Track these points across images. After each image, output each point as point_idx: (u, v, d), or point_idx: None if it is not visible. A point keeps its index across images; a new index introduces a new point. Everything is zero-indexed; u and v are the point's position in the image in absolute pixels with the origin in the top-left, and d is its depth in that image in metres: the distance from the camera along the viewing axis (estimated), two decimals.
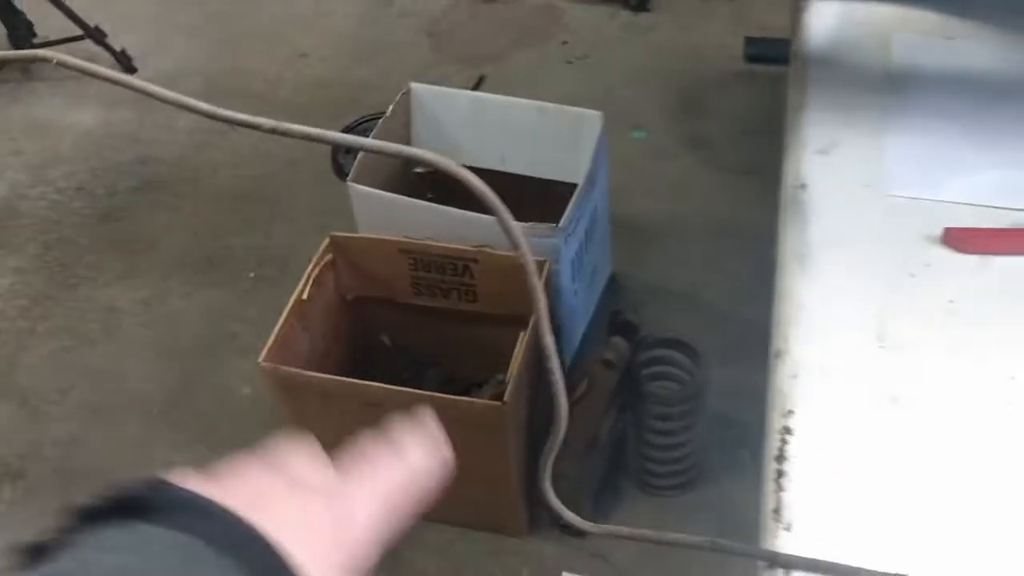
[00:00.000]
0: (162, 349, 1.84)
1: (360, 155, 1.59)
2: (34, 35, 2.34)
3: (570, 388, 1.51)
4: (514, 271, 1.45)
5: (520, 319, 1.38)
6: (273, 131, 0.54)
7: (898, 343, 0.69)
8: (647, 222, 2.01)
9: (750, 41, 2.32)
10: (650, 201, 2.04)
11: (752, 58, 2.30)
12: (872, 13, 0.97)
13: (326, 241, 1.48)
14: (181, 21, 2.62)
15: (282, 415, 1.45)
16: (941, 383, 0.66)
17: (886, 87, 0.89)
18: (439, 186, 1.66)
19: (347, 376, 1.38)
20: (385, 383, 1.35)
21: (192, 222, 2.08)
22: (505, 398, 1.27)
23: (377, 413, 1.37)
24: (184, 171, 2.20)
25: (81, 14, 2.31)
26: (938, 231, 0.75)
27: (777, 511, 0.61)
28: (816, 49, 0.95)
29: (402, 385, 1.38)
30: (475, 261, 1.47)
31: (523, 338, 1.35)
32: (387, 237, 1.50)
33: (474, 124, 1.72)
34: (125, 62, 2.39)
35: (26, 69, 2.46)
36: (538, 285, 0.59)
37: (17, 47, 2.30)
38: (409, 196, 1.55)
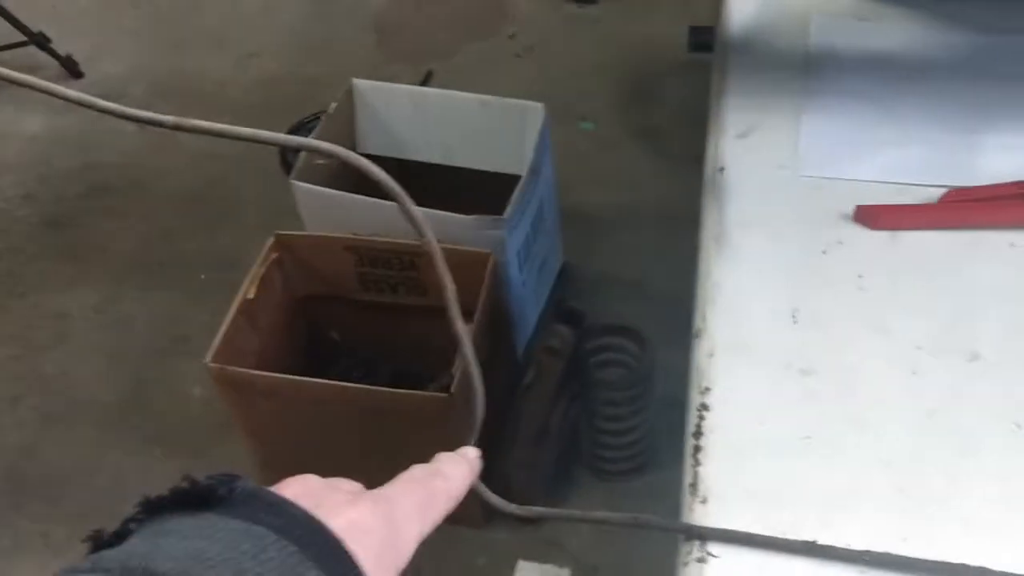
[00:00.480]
0: (113, 354, 1.83)
1: (304, 152, 1.59)
2: None
3: (522, 378, 1.52)
4: (460, 263, 1.46)
5: (468, 312, 1.39)
6: (177, 128, 0.55)
7: (810, 318, 0.70)
8: (597, 212, 2.02)
9: (694, 30, 2.33)
10: (599, 191, 2.06)
11: (697, 47, 2.31)
12: None
13: (271, 240, 1.48)
14: (127, 24, 2.60)
15: (235, 416, 1.45)
16: (850, 355, 0.68)
17: (805, 70, 0.91)
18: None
19: (299, 375, 1.39)
20: (337, 380, 1.36)
21: (142, 226, 2.07)
22: (452, 390, 1.28)
23: (326, 410, 1.38)
24: (133, 176, 2.19)
25: (25, 20, 2.29)
26: (850, 209, 0.77)
27: (694, 485, 0.62)
28: (738, 35, 0.97)
29: (355, 382, 1.38)
30: (420, 255, 1.48)
31: (467, 330, 1.36)
32: (332, 234, 1.50)
33: (418, 119, 1.72)
34: (71, 67, 2.36)
35: None
36: (446, 272, 0.60)
37: None
38: (357, 193, 1.55)
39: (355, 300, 1.57)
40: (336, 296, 1.58)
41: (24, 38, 2.29)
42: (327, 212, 1.56)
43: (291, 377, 1.35)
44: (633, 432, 1.50)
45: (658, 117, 2.21)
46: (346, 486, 0.41)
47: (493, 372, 1.51)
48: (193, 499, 0.34)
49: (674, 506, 0.64)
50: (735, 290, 0.73)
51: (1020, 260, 0.73)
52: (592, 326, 1.49)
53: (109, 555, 0.31)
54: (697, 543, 0.59)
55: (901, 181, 0.79)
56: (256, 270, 1.44)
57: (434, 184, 1.70)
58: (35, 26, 2.30)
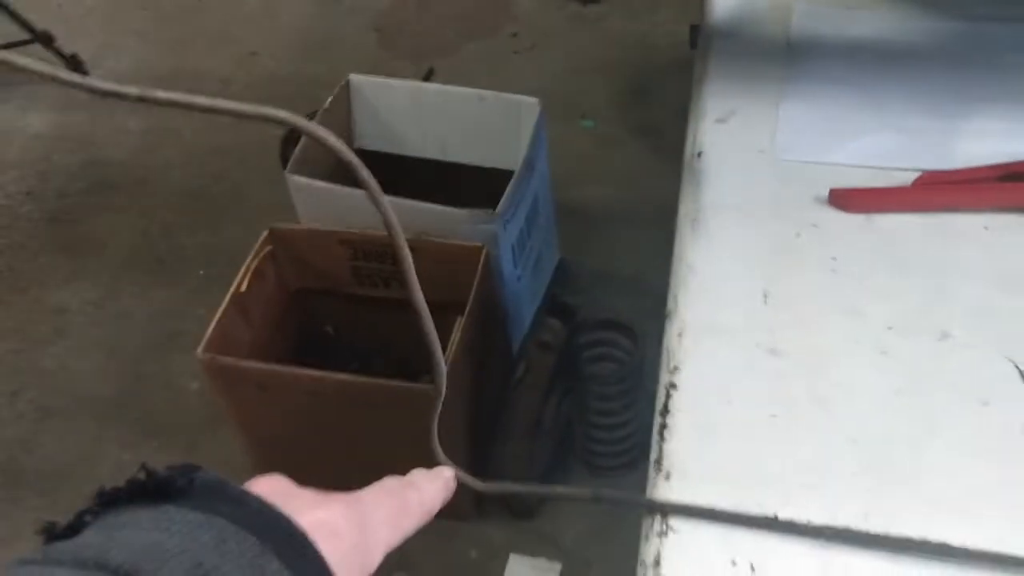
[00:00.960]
0: (112, 348, 1.85)
1: (300, 146, 1.60)
2: None
3: (514, 372, 1.52)
4: (453, 258, 1.47)
5: (460, 305, 1.39)
6: (140, 99, 0.55)
7: (782, 299, 0.70)
8: (595, 209, 2.03)
9: (695, 28, 2.33)
10: (598, 188, 2.06)
11: (697, 45, 2.32)
12: None
13: (265, 233, 1.49)
14: (132, 24, 2.62)
15: (226, 408, 1.46)
16: (820, 335, 0.68)
17: (786, 57, 0.91)
18: (382, 175, 1.67)
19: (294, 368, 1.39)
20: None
21: (142, 222, 2.09)
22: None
23: (317, 402, 1.39)
24: (135, 172, 2.21)
25: (31, 19, 2.31)
26: (825, 193, 0.77)
27: (659, 461, 0.63)
28: (721, 22, 0.97)
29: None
30: (414, 249, 1.47)
31: (460, 323, 1.36)
32: (326, 228, 1.51)
33: (414, 114, 1.73)
34: (75, 66, 2.38)
35: None
36: (410, 265, 0.60)
37: None
38: (352, 187, 1.56)
39: (349, 294, 1.58)
40: (330, 290, 1.58)
41: (29, 36, 2.31)
42: (322, 206, 1.56)
43: (281, 367, 1.36)
44: (626, 427, 1.50)
45: (658, 115, 2.21)
46: (317, 491, 0.41)
47: (487, 366, 1.51)
48: (151, 491, 0.33)
49: None
50: (708, 272, 0.73)
51: (993, 242, 0.73)
52: (584, 321, 1.50)
53: (61, 546, 0.30)
54: (659, 517, 0.59)
55: (877, 165, 0.79)
56: (249, 263, 1.45)
57: (432, 180, 1.70)
58: (41, 25, 2.32)
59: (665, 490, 0.61)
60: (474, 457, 1.45)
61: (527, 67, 2.37)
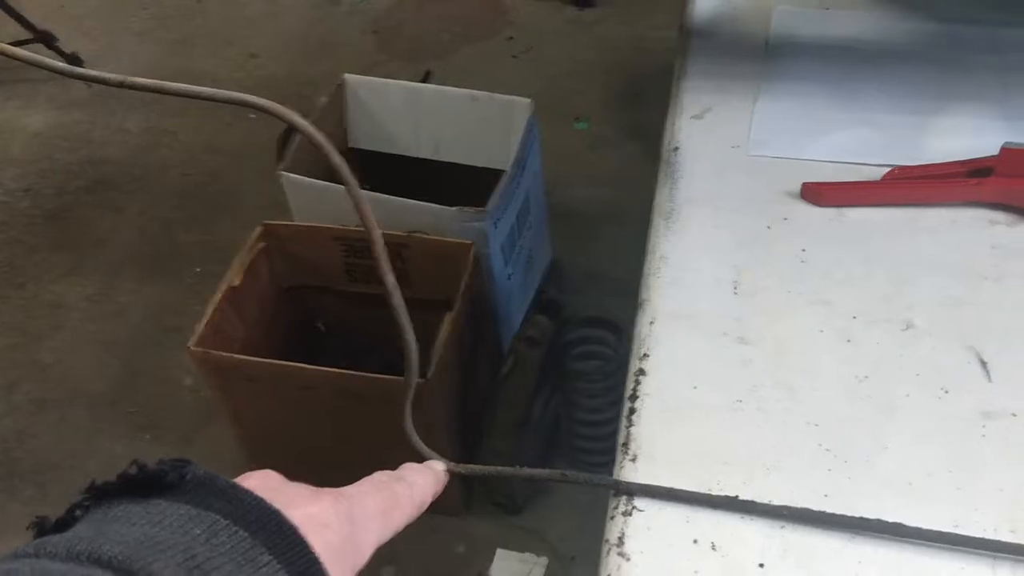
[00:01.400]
0: (107, 344, 1.86)
1: (295, 144, 1.62)
2: None
3: (501, 368, 1.54)
4: (445, 255, 1.49)
5: (449, 301, 1.41)
6: (121, 85, 0.57)
7: (751, 289, 0.72)
8: (588, 210, 2.04)
9: None
10: (591, 189, 2.08)
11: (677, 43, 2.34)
12: None
13: (258, 229, 1.51)
14: (132, 25, 2.64)
15: (218, 402, 1.48)
16: (787, 324, 0.69)
17: (764, 56, 0.93)
18: (376, 174, 1.69)
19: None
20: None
21: (139, 220, 2.11)
22: (428, 375, 1.30)
23: (308, 396, 1.40)
24: (133, 170, 2.23)
25: (33, 19, 2.33)
26: (798, 187, 0.78)
27: (626, 444, 0.64)
28: (702, 22, 0.99)
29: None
30: (406, 246, 1.50)
31: (449, 318, 1.38)
32: (320, 224, 1.53)
33: (408, 114, 1.75)
34: (74, 65, 2.40)
35: None
36: (384, 259, 0.61)
37: None
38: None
39: (342, 291, 1.59)
40: (323, 286, 1.60)
41: (30, 35, 2.33)
42: (316, 203, 1.58)
43: (272, 361, 1.37)
44: (611, 423, 1.51)
45: (651, 117, 2.22)
46: (308, 485, 0.41)
47: (476, 364, 1.52)
48: (142, 485, 0.33)
49: None
50: (680, 263, 0.75)
51: (960, 235, 0.74)
52: (571, 317, 1.51)
53: (54, 540, 0.30)
54: (624, 498, 0.61)
55: (850, 161, 0.81)
56: (243, 258, 1.47)
57: (425, 179, 1.72)
58: (43, 25, 2.35)
59: (631, 472, 0.62)
60: (461, 452, 1.47)
61: (523, 70, 2.40)
